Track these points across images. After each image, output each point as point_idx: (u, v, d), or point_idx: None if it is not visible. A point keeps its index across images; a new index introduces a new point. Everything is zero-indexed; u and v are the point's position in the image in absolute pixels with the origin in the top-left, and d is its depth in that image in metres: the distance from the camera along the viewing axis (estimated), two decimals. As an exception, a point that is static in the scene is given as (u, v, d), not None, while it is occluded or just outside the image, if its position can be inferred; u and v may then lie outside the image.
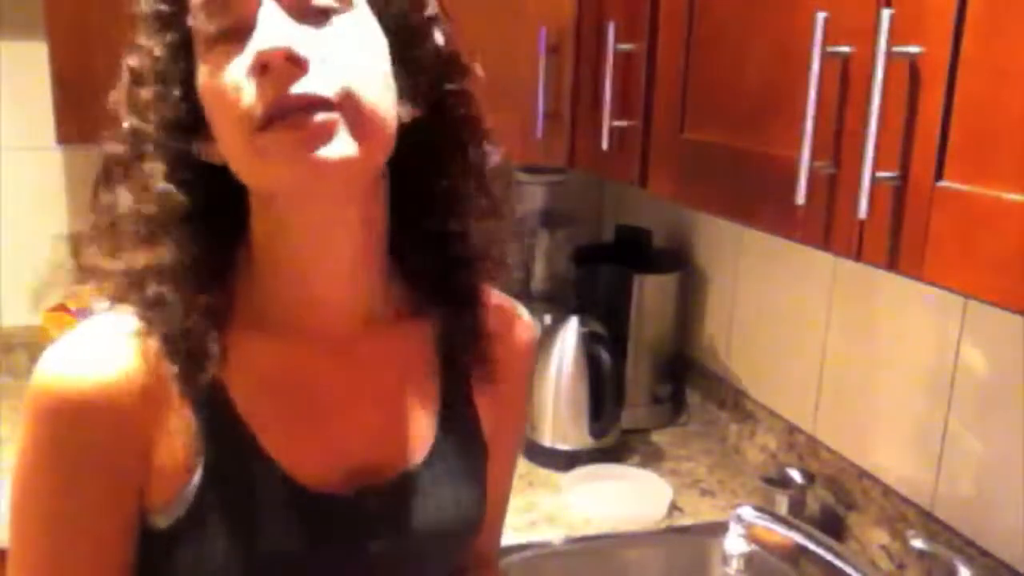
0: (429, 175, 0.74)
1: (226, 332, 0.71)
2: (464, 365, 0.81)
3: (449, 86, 0.74)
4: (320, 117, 0.62)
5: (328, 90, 0.63)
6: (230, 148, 0.66)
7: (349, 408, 0.76)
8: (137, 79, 0.69)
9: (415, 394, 0.80)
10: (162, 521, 0.70)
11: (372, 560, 0.75)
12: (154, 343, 0.69)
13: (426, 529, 0.77)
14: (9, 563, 0.72)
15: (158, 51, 0.68)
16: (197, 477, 0.69)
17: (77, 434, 0.68)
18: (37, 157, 1.81)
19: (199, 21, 0.65)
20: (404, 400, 0.79)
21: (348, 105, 0.63)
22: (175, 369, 0.69)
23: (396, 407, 0.78)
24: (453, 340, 0.80)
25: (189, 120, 0.68)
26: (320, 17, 0.65)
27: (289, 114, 0.62)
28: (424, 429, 0.79)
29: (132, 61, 0.69)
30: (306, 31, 0.64)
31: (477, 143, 0.77)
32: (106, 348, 0.69)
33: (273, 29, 0.62)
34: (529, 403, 0.95)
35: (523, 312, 0.89)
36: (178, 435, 0.69)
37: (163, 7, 0.67)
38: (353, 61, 0.65)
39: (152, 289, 0.69)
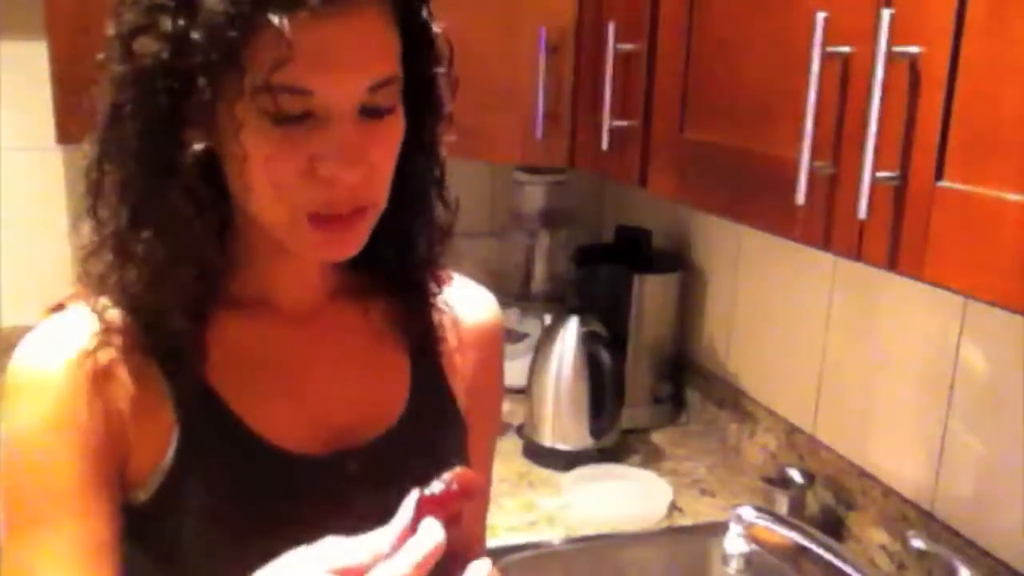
0: (395, 185, 0.76)
1: (206, 320, 0.74)
2: (426, 339, 0.85)
3: (436, 121, 0.78)
4: (358, 229, 0.71)
5: (367, 195, 0.70)
6: (268, 210, 0.70)
7: (321, 375, 0.79)
8: (136, 74, 0.67)
9: (385, 362, 0.83)
10: (142, 495, 0.73)
11: (354, 523, 0.76)
12: (132, 326, 0.72)
13: (406, 493, 0.79)
14: (3, 552, 0.73)
15: (206, 94, 0.65)
16: (172, 448, 0.72)
17: (48, 408, 0.70)
18: (37, 157, 1.81)
19: (278, 101, 0.65)
20: (374, 367, 0.82)
21: (376, 205, 0.72)
22: (153, 352, 0.72)
23: (367, 373, 0.82)
24: (409, 316, 0.84)
25: (182, 112, 0.67)
26: (374, 123, 0.69)
27: (337, 216, 0.69)
28: (397, 394, 0.82)
29: (139, 48, 0.67)
30: (363, 133, 0.68)
31: (436, 146, 0.80)
32: (77, 329, 0.72)
33: (351, 145, 0.66)
34: (503, 389, 0.96)
35: (484, 293, 0.93)
36: (153, 409, 0.72)
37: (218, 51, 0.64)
38: (386, 170, 0.71)
39: (133, 276, 0.71)
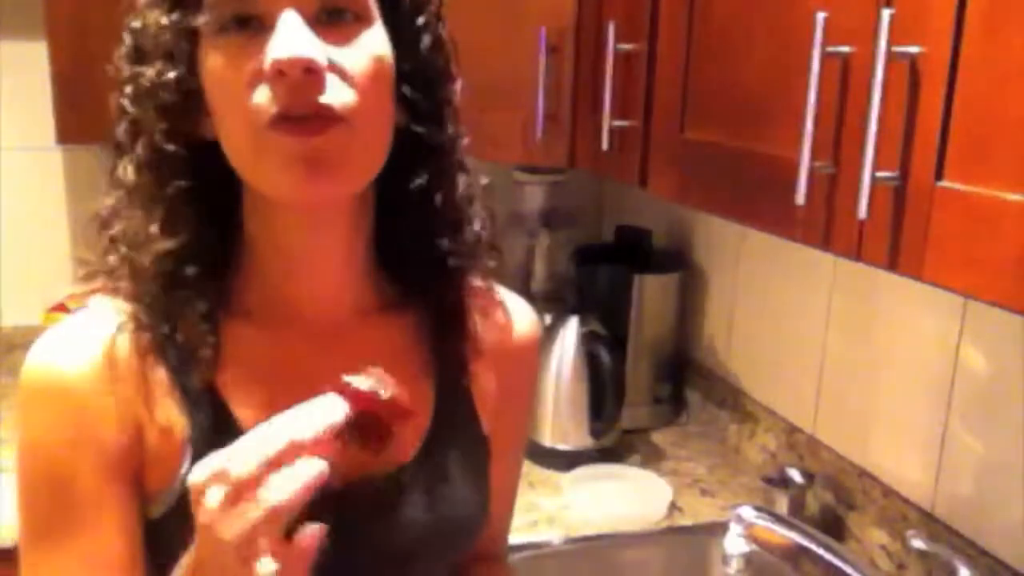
0: (414, 172, 0.75)
1: (218, 324, 0.72)
2: (456, 357, 0.81)
3: (440, 93, 0.75)
4: (323, 138, 0.64)
5: (337, 103, 0.64)
6: (233, 140, 0.67)
7: None
8: (138, 57, 0.68)
9: (407, 384, 0.80)
10: (156, 511, 0.72)
11: (367, 552, 0.75)
12: (146, 336, 0.71)
13: (423, 520, 0.77)
14: (21, 560, 0.72)
15: (163, 29, 0.66)
16: (186, 465, 0.70)
17: (66, 419, 0.69)
18: (37, 157, 1.81)
19: (215, 6, 0.64)
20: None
21: (353, 122, 0.65)
22: (167, 364, 0.71)
23: None
24: (441, 332, 0.81)
25: (188, 101, 0.68)
26: (339, 29, 0.66)
27: (298, 120, 0.63)
28: (417, 427, 0.79)
29: (133, 38, 0.68)
30: (325, 38, 0.64)
31: (460, 144, 0.78)
32: (92, 336, 0.71)
33: (293, 37, 0.62)
34: (534, 400, 0.95)
35: (524, 307, 0.89)
36: (168, 423, 0.71)
37: None
38: (363, 80, 0.66)
39: (147, 285, 0.70)
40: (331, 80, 0.64)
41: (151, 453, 0.71)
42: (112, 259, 0.72)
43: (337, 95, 0.64)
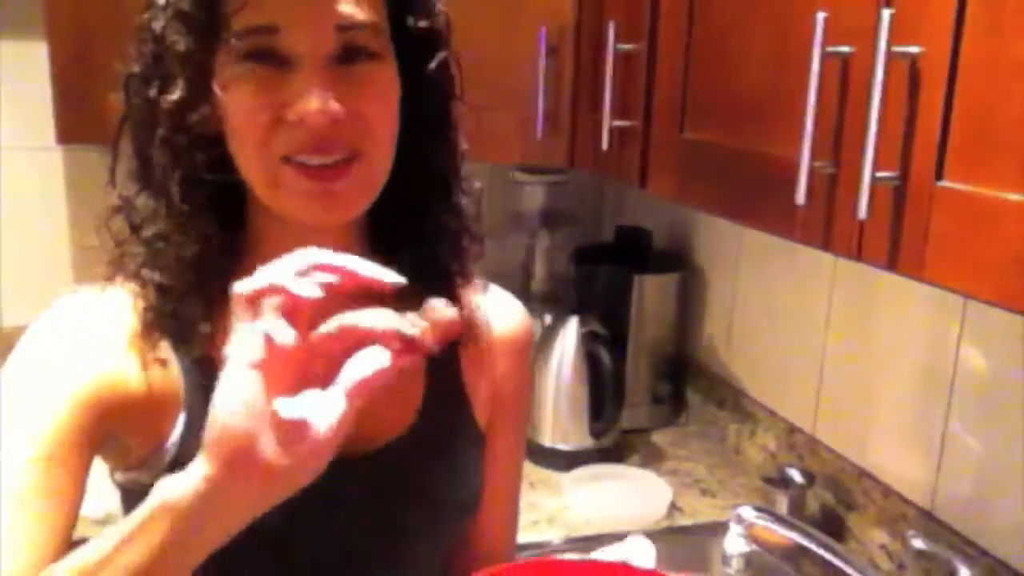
0: (413, 177, 0.77)
1: (218, 304, 0.73)
2: (448, 348, 0.82)
3: (443, 111, 0.78)
4: (347, 180, 0.69)
5: (352, 144, 0.69)
6: (250, 167, 0.70)
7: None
8: (157, 67, 0.69)
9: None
10: (145, 477, 0.73)
11: (353, 525, 0.76)
12: (151, 313, 0.73)
13: (410, 501, 0.79)
14: None
15: (181, 45, 0.68)
16: (178, 433, 0.73)
17: (64, 348, 0.70)
18: (37, 157, 1.81)
19: (243, 42, 0.66)
20: None
21: (366, 160, 0.70)
22: (169, 338, 0.73)
23: None
24: None
25: (206, 109, 0.69)
26: (356, 68, 0.68)
27: (313, 160, 0.68)
28: (410, 401, 0.81)
29: (146, 46, 0.69)
30: (343, 79, 0.67)
31: (458, 153, 0.81)
32: (105, 303, 0.73)
33: (319, 88, 0.66)
34: (530, 399, 0.95)
35: (514, 302, 0.91)
36: (163, 389, 0.73)
37: (195, 11, 0.67)
38: (376, 118, 0.70)
39: (152, 268, 0.72)
40: (347, 123, 0.67)
41: (140, 417, 0.72)
42: (131, 252, 0.73)
43: (354, 140, 0.68)
